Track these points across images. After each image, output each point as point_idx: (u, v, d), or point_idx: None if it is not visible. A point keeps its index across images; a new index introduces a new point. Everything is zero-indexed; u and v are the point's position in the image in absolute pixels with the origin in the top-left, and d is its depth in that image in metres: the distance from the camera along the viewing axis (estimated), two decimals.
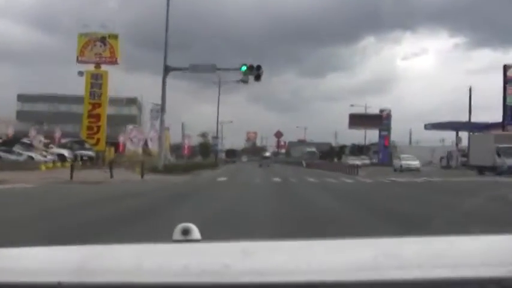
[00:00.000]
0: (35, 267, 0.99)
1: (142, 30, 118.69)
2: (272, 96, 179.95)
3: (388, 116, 73.61)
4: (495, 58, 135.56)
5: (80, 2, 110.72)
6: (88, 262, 0.99)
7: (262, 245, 1.20)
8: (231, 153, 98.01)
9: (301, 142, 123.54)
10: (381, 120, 73.65)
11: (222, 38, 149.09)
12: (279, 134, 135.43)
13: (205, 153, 74.70)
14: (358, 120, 74.12)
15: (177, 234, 1.18)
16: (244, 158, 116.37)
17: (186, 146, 73.89)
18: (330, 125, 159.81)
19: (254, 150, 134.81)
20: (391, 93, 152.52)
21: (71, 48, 42.97)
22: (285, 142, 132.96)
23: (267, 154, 75.31)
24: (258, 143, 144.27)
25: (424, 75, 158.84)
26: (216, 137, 66.54)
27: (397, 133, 74.30)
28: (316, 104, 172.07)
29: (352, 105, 78.75)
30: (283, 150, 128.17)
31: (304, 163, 66.13)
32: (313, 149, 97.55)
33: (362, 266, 0.93)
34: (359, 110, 76.14)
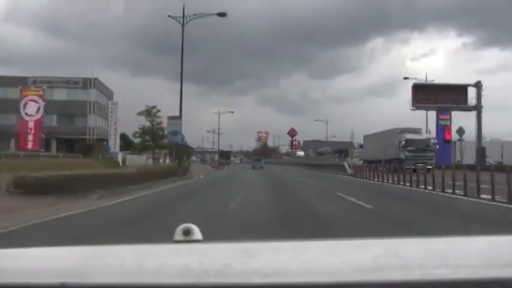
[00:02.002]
0: (38, 268, 0.99)
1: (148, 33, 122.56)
2: (282, 98, 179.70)
3: (478, 88, 44.82)
4: (504, 57, 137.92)
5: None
6: (90, 263, 1.00)
7: (264, 245, 1.16)
8: (225, 155, 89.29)
9: (317, 141, 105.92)
10: (465, 95, 45.18)
11: (229, 40, 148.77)
12: (293, 132, 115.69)
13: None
14: (428, 93, 45.17)
15: (178, 234, 1.19)
16: (236, 160, 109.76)
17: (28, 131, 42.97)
18: (342, 126, 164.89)
19: (265, 152, 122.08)
20: (402, 95, 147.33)
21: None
22: (298, 142, 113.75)
23: (259, 157, 73.14)
24: (270, 144, 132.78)
25: (435, 76, 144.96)
26: (175, 118, 32.25)
27: None
28: (326, 106, 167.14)
29: (406, 78, 50.24)
30: (300, 152, 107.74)
31: (348, 167, 35.51)
32: (427, 135, 39.32)
33: (363, 267, 0.93)
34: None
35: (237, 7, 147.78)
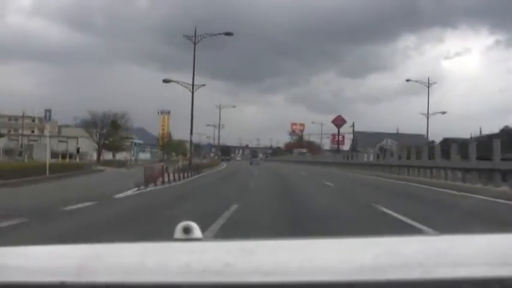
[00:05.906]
0: (38, 266, 0.99)
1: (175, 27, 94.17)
2: (313, 97, 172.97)
3: None
4: None
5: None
6: (90, 261, 1.00)
7: (264, 244, 1.17)
8: (225, 151, 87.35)
9: (376, 133, 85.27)
10: None
11: (257, 37, 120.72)
12: (339, 120, 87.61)
13: None
14: None
15: (178, 233, 1.19)
16: (237, 157, 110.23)
17: None
18: (376, 124, 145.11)
19: (301, 146, 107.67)
20: (436, 94, 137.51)
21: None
22: (343, 136, 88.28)
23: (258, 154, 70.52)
24: (306, 138, 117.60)
25: (469, 74, 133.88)
26: None
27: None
28: (358, 105, 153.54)
29: None
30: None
31: None
32: None
33: (363, 266, 0.93)
34: None
35: (266, 3, 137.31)
